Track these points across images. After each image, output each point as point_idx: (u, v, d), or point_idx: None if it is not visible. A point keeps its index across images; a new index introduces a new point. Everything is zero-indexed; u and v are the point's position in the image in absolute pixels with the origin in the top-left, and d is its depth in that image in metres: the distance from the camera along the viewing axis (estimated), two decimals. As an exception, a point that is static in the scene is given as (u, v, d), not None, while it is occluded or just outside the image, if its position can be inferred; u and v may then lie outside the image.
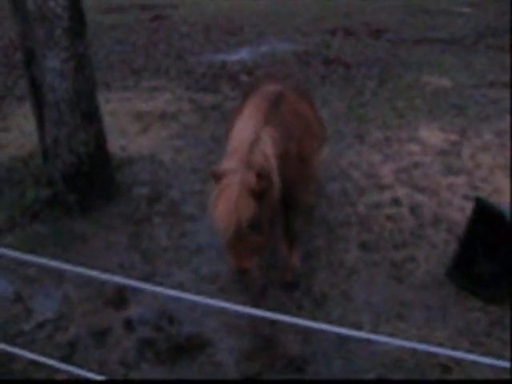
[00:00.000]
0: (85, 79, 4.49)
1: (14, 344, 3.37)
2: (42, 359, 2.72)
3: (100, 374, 2.59)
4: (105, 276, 2.30)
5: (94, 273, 2.26)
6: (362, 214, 4.65)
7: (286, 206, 3.55)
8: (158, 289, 2.23)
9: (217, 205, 2.85)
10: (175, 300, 3.85)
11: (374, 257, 4.14)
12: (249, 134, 3.04)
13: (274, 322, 3.62)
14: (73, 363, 3.36)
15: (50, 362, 2.69)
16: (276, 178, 3.00)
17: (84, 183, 4.70)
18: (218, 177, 2.89)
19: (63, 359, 3.42)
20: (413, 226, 4.48)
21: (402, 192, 4.94)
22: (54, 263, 2.23)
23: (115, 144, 6.13)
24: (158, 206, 4.93)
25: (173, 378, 3.22)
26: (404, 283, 3.87)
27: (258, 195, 2.83)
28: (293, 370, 3.24)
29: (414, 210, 4.67)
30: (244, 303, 3.62)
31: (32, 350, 3.50)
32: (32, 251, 4.37)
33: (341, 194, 4.97)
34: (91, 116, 4.65)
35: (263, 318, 1.84)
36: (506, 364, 1.55)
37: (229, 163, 2.95)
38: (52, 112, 4.51)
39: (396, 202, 4.80)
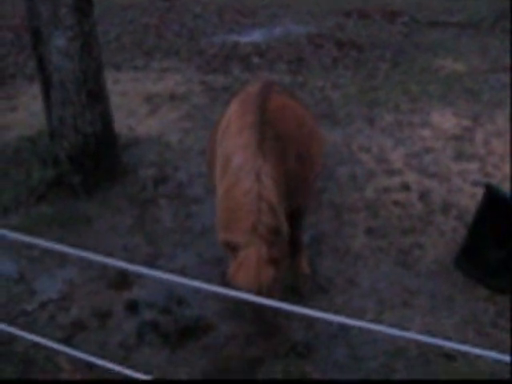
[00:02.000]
0: (91, 59, 4.44)
1: (15, 324, 3.37)
2: (43, 341, 2.69)
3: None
4: (107, 260, 2.24)
5: (97, 257, 2.21)
6: (370, 199, 4.58)
7: (291, 216, 3.38)
8: (159, 274, 2.17)
9: (237, 277, 2.80)
10: (178, 283, 3.83)
11: (380, 243, 4.07)
12: (249, 184, 2.82)
13: (276, 308, 3.58)
14: (73, 345, 3.36)
15: (50, 344, 2.66)
16: (285, 229, 2.89)
17: (90, 164, 4.67)
18: (231, 248, 2.80)
19: (64, 340, 3.42)
20: (421, 212, 4.40)
21: (411, 177, 4.86)
22: (58, 246, 2.18)
23: (123, 125, 6.07)
24: (163, 188, 4.89)
25: (174, 361, 3.20)
26: (410, 270, 3.81)
27: (275, 261, 2.77)
28: (295, 356, 3.20)
29: (423, 195, 4.59)
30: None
31: (33, 331, 3.51)
32: (36, 232, 4.36)
33: (349, 178, 4.90)
34: (98, 96, 4.60)
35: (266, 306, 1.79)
36: (507, 358, 1.49)
37: (238, 232, 2.79)
38: (58, 92, 4.46)
39: (405, 187, 4.71)
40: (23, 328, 3.53)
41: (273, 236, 2.77)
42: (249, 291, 2.71)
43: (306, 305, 3.57)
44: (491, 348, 3.13)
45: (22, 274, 3.98)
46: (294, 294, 3.68)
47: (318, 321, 3.44)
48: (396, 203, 4.51)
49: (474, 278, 3.65)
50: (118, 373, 2.33)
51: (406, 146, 5.37)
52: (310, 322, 3.43)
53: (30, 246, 4.24)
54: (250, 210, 2.78)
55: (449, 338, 3.22)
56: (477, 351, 1.53)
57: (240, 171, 2.89)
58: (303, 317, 3.48)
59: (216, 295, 3.68)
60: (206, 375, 3.11)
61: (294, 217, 3.37)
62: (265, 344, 3.29)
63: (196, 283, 2.09)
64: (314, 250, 4.03)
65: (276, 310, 2.89)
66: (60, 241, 4.25)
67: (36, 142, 5.72)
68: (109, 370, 2.46)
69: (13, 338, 3.36)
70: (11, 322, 3.36)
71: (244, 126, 2.99)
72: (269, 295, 2.74)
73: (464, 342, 3.21)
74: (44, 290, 3.83)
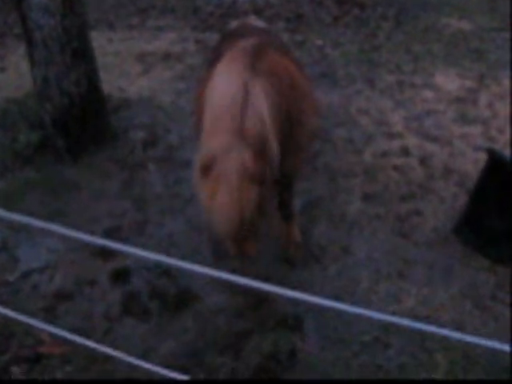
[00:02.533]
0: (74, 15, 4.19)
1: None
2: (22, 318, 2.53)
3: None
4: (87, 237, 2.06)
5: (78, 234, 2.03)
6: (368, 164, 4.39)
7: (279, 182, 3.10)
8: (142, 253, 1.98)
9: (214, 198, 2.38)
10: (166, 251, 3.69)
11: (377, 210, 3.90)
12: (235, 89, 2.40)
13: (266, 279, 3.44)
14: (56, 315, 3.25)
15: (31, 320, 2.51)
16: (274, 144, 2.50)
17: (75, 127, 4.47)
18: (206, 166, 2.38)
19: (47, 310, 3.30)
20: (421, 177, 4.21)
21: (411, 141, 4.65)
22: (39, 223, 2.00)
23: (114, 85, 5.86)
24: (153, 151, 4.70)
25: (158, 334, 3.07)
26: (408, 239, 3.64)
27: (260, 179, 2.39)
28: (285, 328, 3.07)
29: (423, 160, 4.40)
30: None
31: (16, 301, 3.40)
32: (21, 197, 4.21)
33: (347, 141, 4.70)
34: (83, 55, 4.37)
35: (255, 284, 1.62)
36: (507, 348, 1.33)
37: (217, 139, 2.37)
38: (40, 51, 4.23)
39: (405, 151, 4.52)
40: (5, 299, 3.44)
41: (258, 142, 2.36)
42: (230, 220, 2.39)
43: (298, 274, 3.45)
44: (489, 322, 3.01)
45: (4, 242, 3.83)
46: (285, 262, 3.54)
47: (310, 291, 3.30)
48: (395, 168, 4.32)
49: (473, 247, 3.49)
50: (95, 349, 2.16)
51: (406, 109, 5.15)
52: (301, 292, 3.29)
53: (13, 213, 4.09)
54: (232, 114, 2.36)
55: (445, 312, 3.10)
56: (475, 340, 1.37)
57: (223, 85, 2.47)
58: (294, 287, 3.34)
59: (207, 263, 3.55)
60: (191, 349, 2.99)
61: (285, 183, 3.18)
62: (253, 316, 3.17)
63: (184, 263, 1.91)
64: (307, 216, 3.87)
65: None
66: (45, 206, 4.15)
67: (23, 104, 5.52)
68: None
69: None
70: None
71: (234, 61, 2.59)
72: (252, 224, 2.46)
73: (461, 315, 3.08)
74: (27, 259, 3.68)
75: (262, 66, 2.58)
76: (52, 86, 4.33)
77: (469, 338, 1.41)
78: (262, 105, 2.42)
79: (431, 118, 4.96)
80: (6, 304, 3.37)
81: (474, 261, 3.41)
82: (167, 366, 2.91)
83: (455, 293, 3.22)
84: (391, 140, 4.67)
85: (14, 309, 3.32)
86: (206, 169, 2.38)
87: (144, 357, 2.96)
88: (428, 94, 5.41)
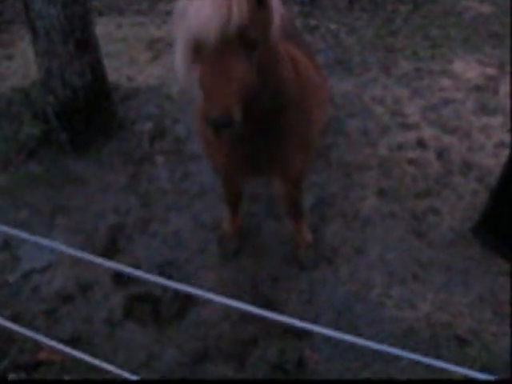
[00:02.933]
0: (77, 4, 4.02)
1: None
2: (19, 329, 2.41)
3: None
4: (98, 260, 1.92)
5: (89, 257, 1.89)
6: (383, 157, 4.20)
7: (289, 181, 3.03)
8: (147, 276, 1.84)
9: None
10: (171, 249, 3.57)
11: (392, 207, 3.73)
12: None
13: (275, 280, 3.30)
14: (57, 318, 3.15)
15: (28, 332, 2.39)
16: None
17: (79, 119, 4.32)
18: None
19: (48, 313, 3.20)
20: (438, 172, 4.02)
21: (428, 133, 4.45)
22: (45, 241, 1.85)
23: (122, 73, 5.71)
24: (160, 144, 4.55)
25: (161, 340, 2.95)
26: (424, 239, 3.47)
27: None
28: (292, 337, 2.94)
29: (441, 153, 4.20)
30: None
31: (16, 303, 3.30)
32: (24, 192, 4.10)
33: (361, 132, 4.50)
34: (86, 45, 4.21)
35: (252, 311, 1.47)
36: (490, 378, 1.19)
37: None
38: (43, 41, 4.08)
39: (421, 143, 4.32)
40: (4, 301, 3.35)
41: None
42: (212, 25, 1.79)
43: (308, 276, 3.30)
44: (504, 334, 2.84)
45: (6, 240, 3.73)
46: (295, 263, 3.40)
47: (320, 295, 3.16)
48: (411, 162, 4.13)
49: (493, 248, 3.31)
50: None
51: (423, 98, 4.93)
52: (312, 296, 3.15)
53: (17, 208, 3.99)
54: None
55: (463, 319, 2.93)
56: (453, 368, 1.23)
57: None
58: (304, 289, 3.21)
59: (213, 263, 3.43)
60: (194, 356, 2.87)
61: (293, 181, 3.03)
62: (260, 322, 3.03)
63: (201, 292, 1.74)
64: (318, 214, 3.71)
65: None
66: (48, 201, 4.03)
67: (28, 94, 5.39)
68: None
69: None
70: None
71: None
72: (235, 50, 1.87)
73: (479, 323, 2.91)
74: (29, 258, 3.58)
75: None
76: (55, 78, 4.18)
77: (446, 366, 1.28)
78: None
79: (449, 108, 4.73)
80: (5, 306, 3.30)
81: (493, 263, 3.23)
82: (171, 376, 2.82)
83: (473, 298, 3.05)
84: (407, 131, 4.47)
85: (14, 311, 3.26)
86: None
87: (147, 365, 2.87)
88: (446, 81, 5.18)
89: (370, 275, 3.25)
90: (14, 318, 3.17)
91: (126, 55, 6.18)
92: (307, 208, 3.71)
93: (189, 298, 3.16)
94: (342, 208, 3.75)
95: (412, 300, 3.07)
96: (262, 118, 2.30)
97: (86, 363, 2.79)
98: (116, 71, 5.72)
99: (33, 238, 1.72)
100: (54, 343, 2.26)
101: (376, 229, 3.57)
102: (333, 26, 6.57)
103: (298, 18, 6.84)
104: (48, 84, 4.24)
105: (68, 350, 2.22)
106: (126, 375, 2.04)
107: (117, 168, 4.29)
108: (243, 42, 1.89)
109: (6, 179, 4.25)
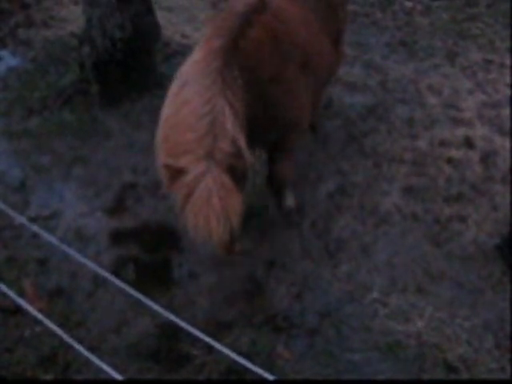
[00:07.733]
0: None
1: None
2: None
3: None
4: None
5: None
6: (421, 151, 3.87)
7: (271, 147, 3.00)
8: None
9: (195, 213, 2.29)
10: (176, 216, 3.46)
11: (415, 207, 3.43)
12: (203, 109, 2.35)
13: (271, 264, 3.12)
14: (47, 268, 3.15)
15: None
16: (247, 155, 2.40)
17: (116, 73, 4.25)
18: (175, 172, 2.31)
19: (40, 262, 3.20)
20: (478, 176, 3.65)
21: (480, 132, 4.05)
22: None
23: (178, 30, 5.59)
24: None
25: (137, 308, 2.87)
26: (441, 248, 3.17)
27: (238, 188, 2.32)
28: (270, 329, 2.77)
29: (486, 156, 3.81)
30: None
31: (15, 246, 3.33)
32: (49, 139, 4.11)
33: (405, 122, 4.16)
34: (130, -3, 4.11)
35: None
36: None
37: (188, 157, 2.32)
38: (87, -11, 4.02)
39: (468, 142, 3.94)
40: (5, 243, 3.38)
41: (233, 160, 2.32)
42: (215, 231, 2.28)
43: (305, 265, 3.10)
44: (507, 368, 2.54)
45: (23, 182, 3.76)
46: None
47: (312, 291, 2.96)
48: (450, 161, 3.78)
49: (514, 270, 2.98)
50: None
51: (485, 93, 4.49)
52: (302, 290, 2.96)
53: (40, 153, 4.00)
54: (202, 135, 2.32)
55: (458, 345, 2.65)
56: None
57: (194, 94, 2.41)
58: (295, 282, 3.02)
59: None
60: (166, 330, 2.76)
61: (277, 148, 3.00)
62: (241, 306, 2.89)
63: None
64: (334, 202, 3.47)
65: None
66: (71, 150, 4.02)
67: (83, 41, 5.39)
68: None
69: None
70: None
71: (207, 54, 2.53)
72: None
73: (476, 353, 2.62)
74: (38, 203, 3.59)
75: (244, 45, 2.50)
76: (95, 28, 4.12)
77: None
78: (230, 122, 2.36)
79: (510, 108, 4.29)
80: (5, 248, 3.33)
81: (510, 290, 2.89)
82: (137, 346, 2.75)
83: (478, 323, 2.75)
84: (456, 127, 4.09)
85: (9, 255, 3.28)
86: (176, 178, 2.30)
87: (117, 331, 2.81)
88: (515, 77, 4.70)
89: (371, 278, 3.01)
90: (7, 261, 3.21)
91: (186, 12, 6.04)
92: (324, 195, 3.49)
93: (179, 267, 3.06)
94: (360, 200, 3.49)
95: (408, 313, 2.81)
96: None
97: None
98: (172, 26, 5.60)
99: None
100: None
101: (391, 229, 3.29)
102: (408, 4, 6.12)
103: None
104: (88, 33, 4.19)
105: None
106: (114, 375, 1.96)
107: (144, 126, 4.19)
108: None
109: (38, 124, 4.28)
